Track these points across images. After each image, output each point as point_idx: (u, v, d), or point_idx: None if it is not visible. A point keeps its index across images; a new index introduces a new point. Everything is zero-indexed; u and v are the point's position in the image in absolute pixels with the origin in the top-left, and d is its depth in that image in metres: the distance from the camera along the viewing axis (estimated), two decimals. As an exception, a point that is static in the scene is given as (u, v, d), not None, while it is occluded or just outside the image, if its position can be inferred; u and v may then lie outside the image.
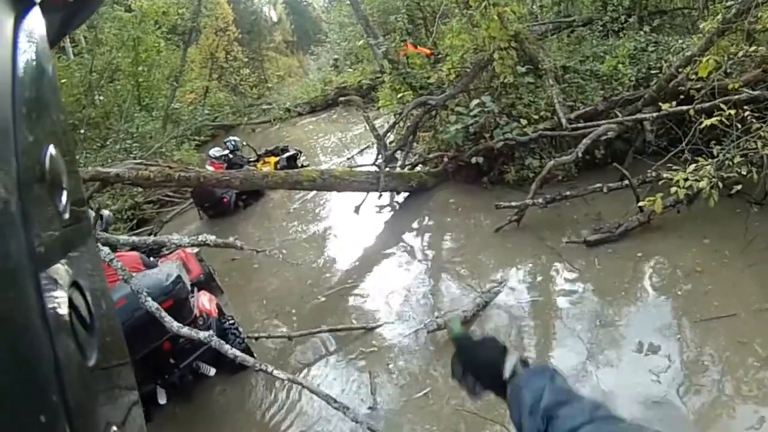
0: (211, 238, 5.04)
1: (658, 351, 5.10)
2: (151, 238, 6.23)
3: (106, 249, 4.91)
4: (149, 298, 4.69)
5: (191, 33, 24.72)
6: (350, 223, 9.83)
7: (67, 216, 0.54)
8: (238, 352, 4.85)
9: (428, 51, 12.32)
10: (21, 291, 0.40)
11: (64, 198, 0.53)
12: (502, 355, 1.40)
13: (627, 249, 6.86)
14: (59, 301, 0.48)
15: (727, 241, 6.45)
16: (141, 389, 5.32)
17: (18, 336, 0.40)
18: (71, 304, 0.51)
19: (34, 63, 0.49)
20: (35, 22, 0.50)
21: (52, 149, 0.51)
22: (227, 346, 4.71)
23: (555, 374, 1.31)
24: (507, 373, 1.35)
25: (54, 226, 0.51)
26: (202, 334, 4.67)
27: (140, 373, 5.36)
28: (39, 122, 0.49)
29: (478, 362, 1.44)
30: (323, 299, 7.44)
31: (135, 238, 6.23)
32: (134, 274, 5.27)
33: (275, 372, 4.70)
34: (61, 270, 0.50)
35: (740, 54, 7.36)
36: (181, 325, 4.76)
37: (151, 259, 6.73)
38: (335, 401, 4.40)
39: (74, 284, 0.53)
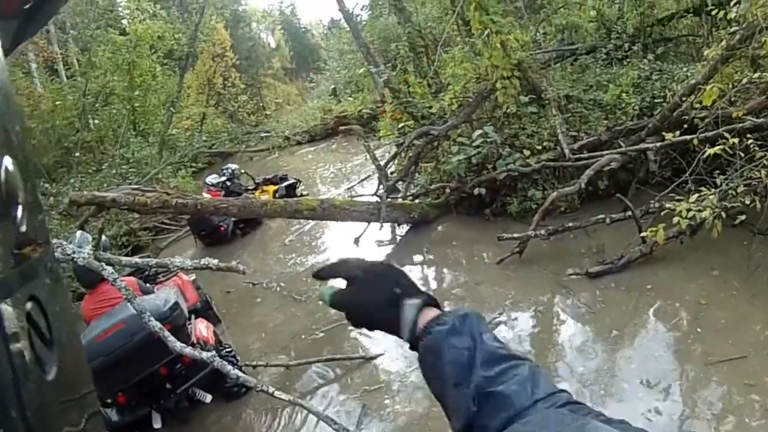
0: (213, 261, 5.14)
1: (661, 390, 5.15)
2: (154, 260, 6.33)
3: (110, 269, 5.03)
4: (152, 318, 4.81)
5: (188, 58, 24.93)
6: (350, 254, 9.73)
7: (24, 229, 0.54)
8: (240, 373, 4.94)
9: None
10: None
11: (20, 210, 0.53)
12: (394, 305, 1.07)
13: (631, 281, 6.97)
14: (16, 314, 0.48)
15: (733, 272, 6.55)
16: (136, 412, 5.49)
17: None
18: (29, 318, 0.51)
19: None
20: None
21: (7, 161, 0.51)
22: (229, 366, 4.81)
23: (479, 326, 1.02)
24: (406, 333, 1.06)
25: (10, 239, 0.51)
26: (205, 355, 4.78)
27: (136, 397, 5.51)
28: None
29: (372, 320, 1.11)
30: (323, 334, 7.49)
31: (137, 259, 6.35)
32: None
33: (276, 393, 4.80)
34: (18, 284, 0.51)
35: (744, 81, 7.50)
36: (184, 345, 4.88)
37: (148, 285, 6.85)
38: (335, 422, 4.51)
39: (32, 298, 0.53)
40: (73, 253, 4.96)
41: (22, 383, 0.46)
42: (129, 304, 5.06)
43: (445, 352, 0.98)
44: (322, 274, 1.16)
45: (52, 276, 0.59)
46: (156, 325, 4.84)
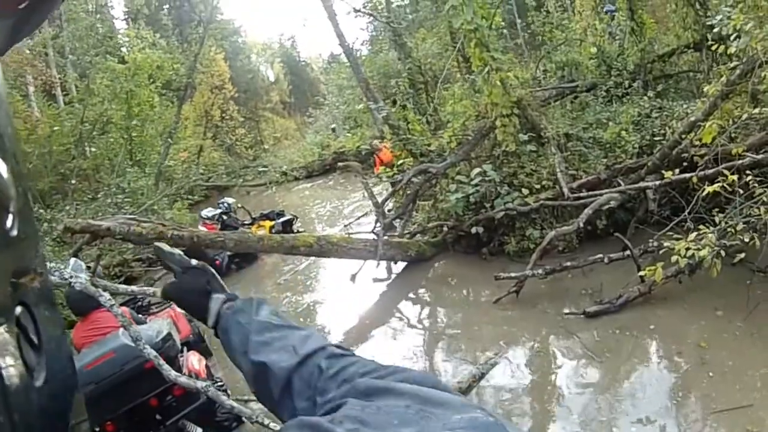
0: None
1: (657, 425, 5.17)
2: (151, 289, 6.36)
3: (107, 295, 5.06)
4: (147, 346, 4.84)
5: (186, 89, 25.03)
6: (345, 293, 9.93)
7: (14, 234, 0.54)
8: (234, 403, 4.96)
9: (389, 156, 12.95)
10: None
11: (11, 214, 0.53)
12: (206, 298, 1.37)
13: (630, 321, 7.00)
14: (5, 319, 0.49)
15: (735, 312, 6.55)
16: None
17: None
18: (18, 324, 0.52)
19: None
20: None
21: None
22: (224, 397, 4.83)
23: (259, 305, 1.30)
24: (211, 319, 1.35)
25: (0, 244, 0.51)
26: (200, 384, 4.80)
27: (125, 426, 5.48)
28: None
29: (186, 303, 1.44)
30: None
31: (134, 288, 6.37)
32: (123, 330, 5.41)
33: (272, 425, 4.83)
34: (7, 289, 0.51)
35: (744, 117, 7.60)
36: (179, 374, 4.90)
37: (140, 315, 6.88)
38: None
39: (21, 303, 0.53)
40: (71, 277, 4.99)
41: (10, 389, 0.47)
42: (124, 331, 5.10)
43: (232, 328, 1.27)
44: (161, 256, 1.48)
45: (41, 281, 0.60)
46: (152, 353, 4.87)
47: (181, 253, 1.48)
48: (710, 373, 5.75)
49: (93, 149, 20.29)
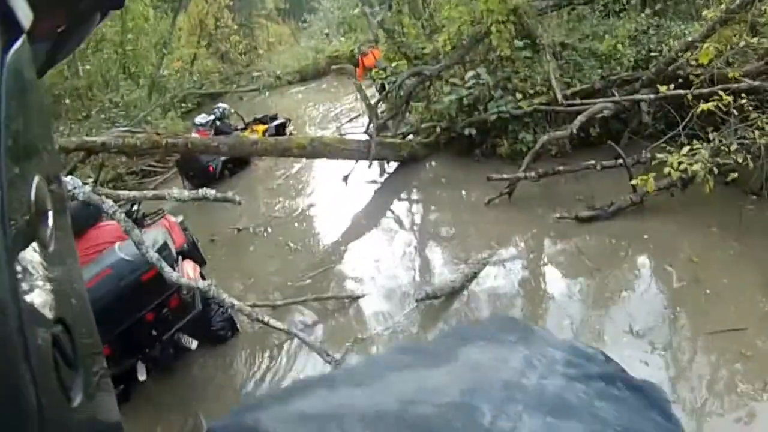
0: (211, 192, 5.13)
1: (648, 338, 5.13)
2: (151, 192, 6.29)
3: (110, 202, 4.97)
4: (150, 249, 4.76)
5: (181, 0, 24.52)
6: (337, 196, 9.78)
7: (52, 249, 0.50)
8: (235, 301, 4.94)
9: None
10: (3, 330, 0.38)
11: (49, 230, 0.50)
12: None
13: (623, 230, 6.92)
14: (43, 340, 0.45)
15: (727, 230, 6.46)
16: (121, 364, 5.25)
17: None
18: (55, 343, 0.47)
19: (22, 95, 0.48)
20: (22, 52, 0.48)
21: (39, 181, 0.49)
22: (225, 295, 4.79)
23: None
24: None
25: (38, 260, 0.48)
26: (201, 283, 4.76)
27: (121, 347, 5.28)
28: (26, 154, 0.48)
29: None
30: (311, 276, 7.40)
31: (135, 193, 6.27)
32: (119, 245, 5.32)
33: (271, 322, 4.81)
34: (45, 307, 0.47)
35: (741, 44, 7.41)
36: (180, 275, 4.85)
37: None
38: (328, 354, 4.52)
39: (59, 320, 0.49)
40: (74, 188, 4.89)
41: (47, 411, 0.42)
42: (120, 245, 5.06)
43: None
44: None
45: (78, 295, 0.56)
46: (154, 256, 4.82)
47: None
48: (707, 290, 5.64)
49: (87, 67, 19.82)
